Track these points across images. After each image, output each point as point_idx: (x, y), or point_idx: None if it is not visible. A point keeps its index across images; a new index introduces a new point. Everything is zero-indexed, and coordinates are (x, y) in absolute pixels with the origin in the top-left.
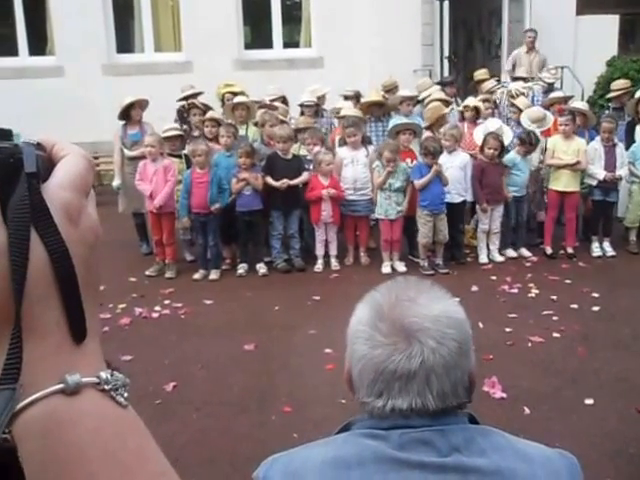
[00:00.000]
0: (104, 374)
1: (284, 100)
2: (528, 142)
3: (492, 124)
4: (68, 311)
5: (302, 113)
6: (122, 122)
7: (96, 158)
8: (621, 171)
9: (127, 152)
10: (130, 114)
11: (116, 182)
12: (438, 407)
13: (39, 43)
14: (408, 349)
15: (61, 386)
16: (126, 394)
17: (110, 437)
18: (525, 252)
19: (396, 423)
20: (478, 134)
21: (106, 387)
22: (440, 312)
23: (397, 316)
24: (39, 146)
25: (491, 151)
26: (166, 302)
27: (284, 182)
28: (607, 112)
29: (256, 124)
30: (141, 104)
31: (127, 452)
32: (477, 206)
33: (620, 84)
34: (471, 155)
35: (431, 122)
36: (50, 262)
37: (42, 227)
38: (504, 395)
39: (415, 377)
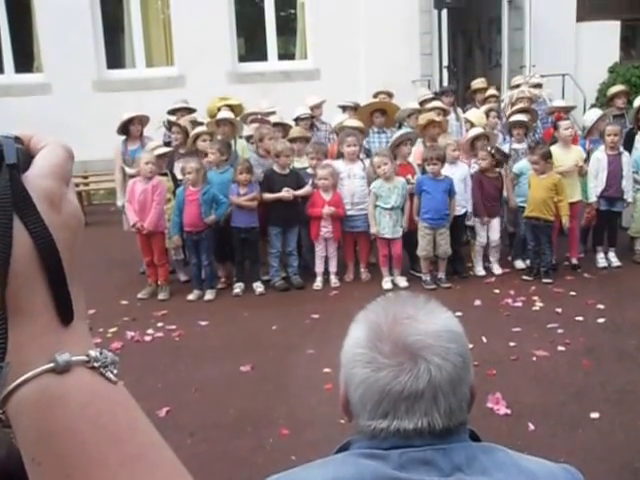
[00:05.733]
0: (93, 352)
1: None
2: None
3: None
4: (55, 294)
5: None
6: (122, 138)
7: (86, 178)
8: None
9: (128, 170)
10: (129, 129)
11: (120, 201)
12: (444, 425)
13: (25, 60)
14: (414, 369)
15: (51, 365)
16: (115, 371)
17: (101, 411)
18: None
19: (397, 443)
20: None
21: (95, 364)
22: (440, 327)
23: (398, 335)
24: (17, 139)
25: (483, 163)
26: (159, 325)
27: (287, 190)
28: (608, 121)
29: (248, 139)
30: (141, 120)
31: (118, 425)
32: (473, 219)
33: (615, 88)
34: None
35: (421, 127)
36: (35, 247)
37: (25, 215)
38: (508, 411)
39: (422, 396)
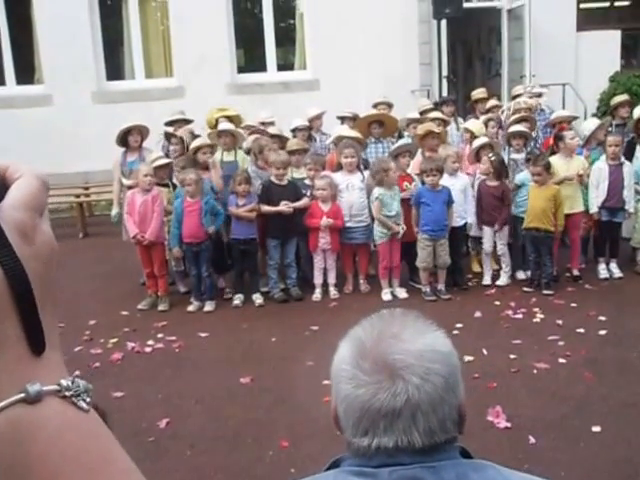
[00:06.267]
0: (64, 382)
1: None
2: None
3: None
4: (26, 325)
5: (294, 137)
6: (123, 149)
7: (86, 189)
8: (629, 206)
9: (124, 180)
10: (127, 140)
11: (114, 211)
12: (425, 444)
13: (27, 72)
14: (392, 387)
15: (22, 395)
16: (88, 399)
17: (72, 440)
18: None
19: (385, 461)
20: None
21: (67, 394)
22: (424, 347)
23: (380, 353)
24: None
25: (483, 168)
26: (159, 336)
27: (286, 204)
28: (610, 129)
29: (248, 152)
30: (140, 130)
31: (89, 453)
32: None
33: (618, 98)
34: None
35: (419, 137)
36: (6, 279)
37: None
38: (508, 424)
39: (400, 415)
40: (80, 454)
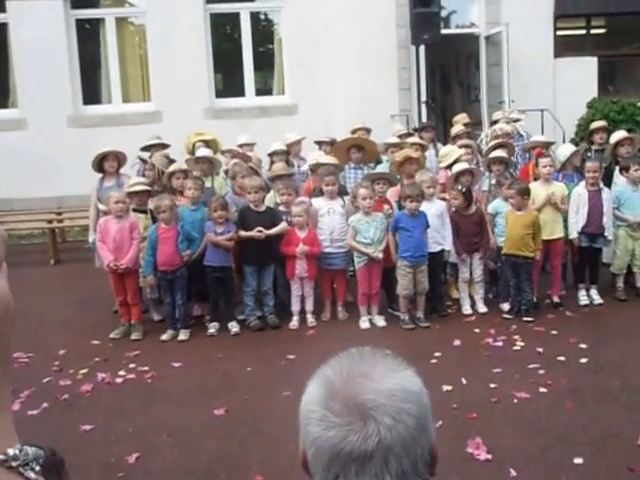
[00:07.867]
0: (12, 451)
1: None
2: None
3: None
4: None
5: (272, 162)
6: (100, 175)
7: (59, 214)
8: (607, 232)
9: (100, 206)
10: (103, 166)
11: (91, 237)
12: None
13: (1, 96)
14: (363, 429)
15: None
16: (37, 468)
17: None
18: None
19: None
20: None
21: (14, 464)
22: (395, 386)
23: (350, 393)
24: None
25: (456, 202)
26: (131, 366)
27: (259, 229)
28: (588, 155)
29: (226, 172)
30: (117, 156)
31: None
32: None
33: (595, 124)
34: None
35: (397, 164)
36: None
37: None
38: (489, 457)
39: (372, 458)
40: None
